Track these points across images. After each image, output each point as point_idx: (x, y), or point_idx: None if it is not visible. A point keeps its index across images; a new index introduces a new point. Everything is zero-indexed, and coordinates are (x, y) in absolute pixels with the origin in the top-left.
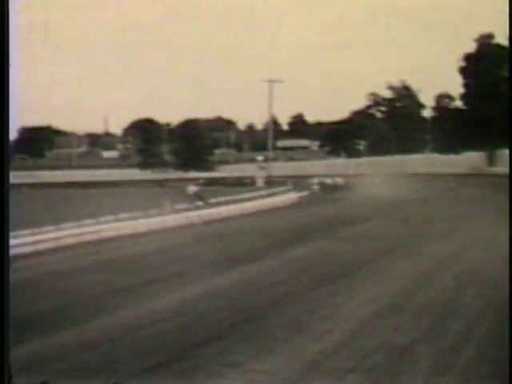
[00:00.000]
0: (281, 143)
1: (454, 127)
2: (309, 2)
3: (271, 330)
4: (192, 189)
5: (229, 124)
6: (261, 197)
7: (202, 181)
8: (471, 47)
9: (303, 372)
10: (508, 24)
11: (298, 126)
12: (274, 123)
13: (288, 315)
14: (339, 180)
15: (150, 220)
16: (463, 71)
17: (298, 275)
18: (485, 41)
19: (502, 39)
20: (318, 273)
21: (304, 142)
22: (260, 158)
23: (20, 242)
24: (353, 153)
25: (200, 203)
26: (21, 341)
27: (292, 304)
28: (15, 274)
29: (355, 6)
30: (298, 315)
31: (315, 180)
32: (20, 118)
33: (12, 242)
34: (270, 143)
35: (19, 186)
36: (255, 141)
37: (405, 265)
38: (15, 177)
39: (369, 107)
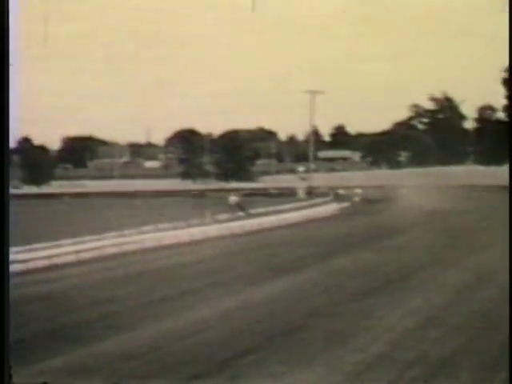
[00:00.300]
0: (322, 154)
1: (496, 139)
2: (350, 14)
3: (311, 341)
4: (233, 199)
5: (270, 135)
6: (302, 208)
7: (243, 191)
8: None
9: (342, 383)
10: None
11: (340, 137)
12: (316, 134)
13: (328, 327)
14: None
15: (191, 230)
16: (506, 83)
17: (338, 286)
18: None
19: None
20: (358, 284)
21: (345, 153)
22: (301, 168)
23: (62, 251)
24: (394, 164)
25: (241, 214)
26: (62, 351)
27: (332, 315)
28: (57, 283)
29: (397, 18)
30: (338, 327)
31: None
32: (62, 128)
33: (54, 251)
34: (311, 154)
35: (62, 195)
36: (296, 151)
37: (446, 276)
38: (58, 186)
39: (411, 118)
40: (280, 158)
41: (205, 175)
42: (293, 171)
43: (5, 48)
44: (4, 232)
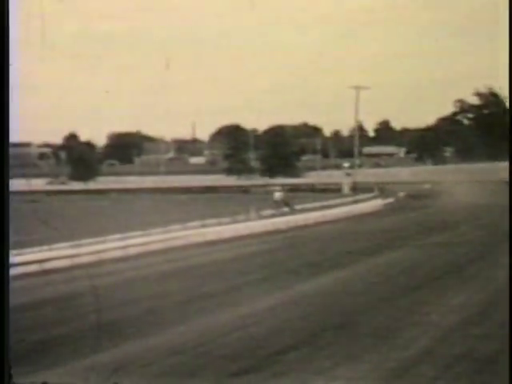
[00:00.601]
0: (367, 150)
1: None
2: (394, 10)
3: (357, 337)
4: (278, 195)
5: (315, 130)
6: (346, 203)
7: (288, 187)
8: None
9: (388, 380)
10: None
11: (385, 133)
12: (361, 130)
13: (374, 323)
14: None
15: (236, 226)
16: None
17: (383, 282)
18: None
19: None
20: (403, 280)
21: (390, 149)
22: (346, 164)
23: (109, 247)
24: (439, 159)
25: (286, 209)
26: (108, 347)
27: (378, 311)
28: (104, 279)
29: (444, 12)
30: (385, 323)
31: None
32: (110, 125)
33: (100, 247)
34: (355, 150)
35: (108, 191)
36: (341, 147)
37: (493, 272)
38: (104, 182)
39: (455, 114)
40: (325, 154)
41: (249, 171)
42: (338, 167)
43: (5, 48)
44: (4, 231)
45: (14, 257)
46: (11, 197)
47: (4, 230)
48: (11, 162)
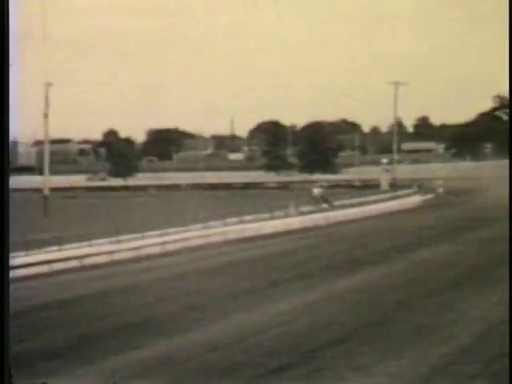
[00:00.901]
0: (406, 146)
1: None
2: (435, 5)
3: (396, 333)
4: (317, 191)
5: (353, 126)
6: (385, 199)
7: (326, 183)
8: None
9: (428, 376)
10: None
11: (423, 129)
12: (399, 126)
13: (413, 319)
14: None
15: (275, 222)
16: None
17: (422, 279)
18: None
19: None
20: (442, 277)
21: (429, 145)
22: (384, 160)
23: (148, 243)
24: (478, 155)
25: (325, 206)
26: (147, 342)
27: (417, 308)
28: (144, 275)
29: (483, 7)
30: (423, 319)
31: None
32: (148, 120)
33: (140, 243)
34: (394, 146)
35: (147, 187)
36: (380, 143)
37: None
38: (143, 178)
39: (495, 109)
40: (363, 150)
41: (288, 167)
42: (376, 163)
43: (5, 48)
44: (4, 231)
45: (55, 253)
46: (52, 193)
47: (4, 230)
48: (52, 158)
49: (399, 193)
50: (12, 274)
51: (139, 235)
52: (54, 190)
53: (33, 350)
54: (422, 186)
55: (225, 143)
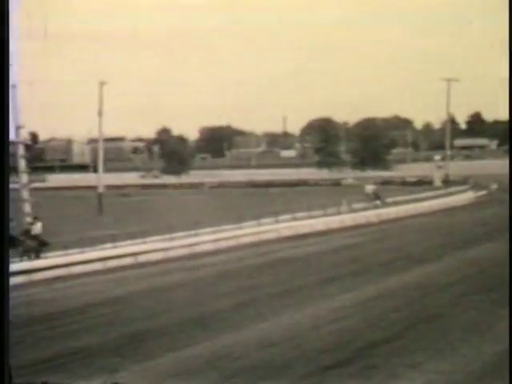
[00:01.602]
0: (458, 142)
1: None
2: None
3: (449, 330)
4: (370, 188)
5: (406, 123)
6: (438, 196)
7: (379, 180)
8: None
9: (481, 374)
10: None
11: (476, 125)
12: (452, 122)
13: (466, 316)
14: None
15: (327, 219)
16: None
17: (475, 276)
18: None
19: None
20: (495, 274)
21: (482, 141)
22: (437, 157)
23: (202, 240)
24: None
25: (378, 202)
26: (199, 339)
27: (470, 305)
28: (197, 272)
29: None
30: (477, 316)
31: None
32: (199, 118)
33: (192, 240)
34: (447, 142)
35: (200, 184)
36: (432, 140)
37: None
38: (196, 176)
39: None
40: (416, 147)
41: (341, 164)
42: (429, 159)
43: (5, 48)
44: (4, 231)
45: (110, 250)
46: (107, 191)
47: (4, 230)
48: (106, 156)
49: (452, 189)
50: (67, 271)
51: (193, 232)
52: (107, 187)
53: (90, 346)
54: (475, 183)
55: (277, 140)
